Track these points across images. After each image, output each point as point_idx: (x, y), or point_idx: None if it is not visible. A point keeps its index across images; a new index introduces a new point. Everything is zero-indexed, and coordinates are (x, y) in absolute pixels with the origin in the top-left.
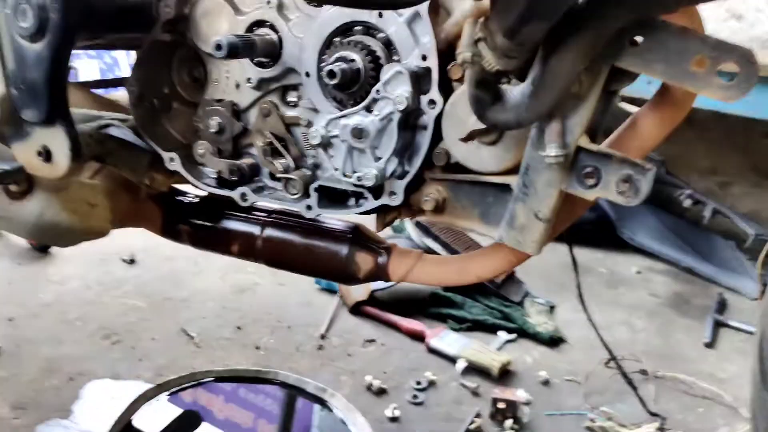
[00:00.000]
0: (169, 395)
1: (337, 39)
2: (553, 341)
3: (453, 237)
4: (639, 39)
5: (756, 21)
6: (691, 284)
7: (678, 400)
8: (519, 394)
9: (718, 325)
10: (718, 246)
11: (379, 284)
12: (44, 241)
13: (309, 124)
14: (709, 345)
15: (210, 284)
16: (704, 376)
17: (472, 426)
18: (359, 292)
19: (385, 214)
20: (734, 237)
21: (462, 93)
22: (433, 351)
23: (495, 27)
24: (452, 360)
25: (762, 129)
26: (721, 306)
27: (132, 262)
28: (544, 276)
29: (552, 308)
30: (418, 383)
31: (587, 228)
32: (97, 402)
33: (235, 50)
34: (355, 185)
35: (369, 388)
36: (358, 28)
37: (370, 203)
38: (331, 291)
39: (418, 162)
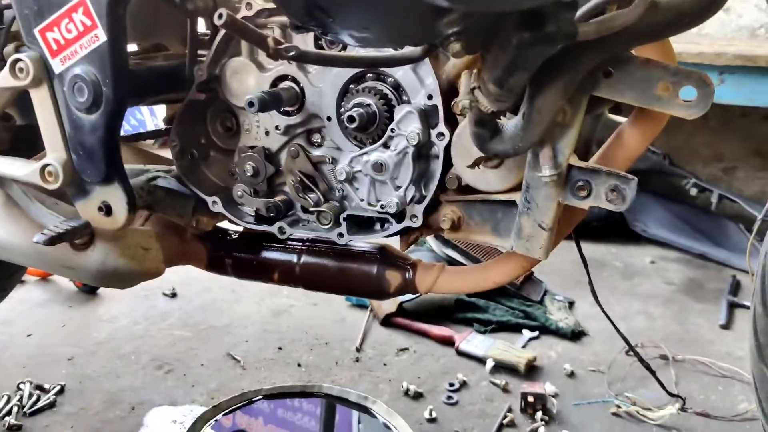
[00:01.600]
0: (224, 415)
1: (352, 86)
2: (575, 335)
3: (471, 245)
4: (611, 69)
5: (744, 11)
6: (704, 269)
7: (698, 381)
8: (546, 388)
9: (733, 306)
10: (729, 230)
11: (406, 296)
12: (106, 285)
13: (334, 161)
14: (725, 326)
15: (248, 310)
16: (722, 356)
17: (505, 420)
18: (389, 304)
19: (408, 235)
20: (743, 220)
21: (465, 125)
22: (462, 354)
23: (486, 77)
24: (481, 361)
25: (761, 113)
26: (735, 287)
27: (174, 295)
28: (561, 274)
29: (571, 304)
30: (451, 385)
31: (599, 224)
32: (160, 428)
33: (265, 105)
34: (380, 212)
35: (406, 393)
36: (369, 75)
37: (394, 227)
38: (362, 306)
39: (433, 187)
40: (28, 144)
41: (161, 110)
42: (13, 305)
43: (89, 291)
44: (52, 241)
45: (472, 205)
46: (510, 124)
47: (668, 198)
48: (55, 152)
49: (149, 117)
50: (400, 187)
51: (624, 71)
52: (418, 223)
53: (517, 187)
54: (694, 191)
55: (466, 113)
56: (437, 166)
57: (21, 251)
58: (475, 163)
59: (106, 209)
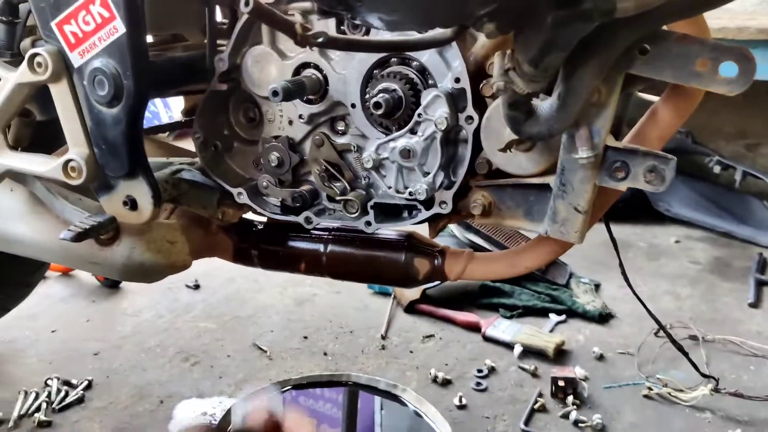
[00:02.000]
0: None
1: (376, 71)
2: (603, 318)
3: (494, 230)
4: (647, 47)
5: None
6: (730, 248)
7: (729, 361)
8: (576, 371)
9: (761, 284)
10: (753, 207)
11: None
12: (133, 280)
13: (359, 149)
14: (754, 305)
15: (272, 300)
16: (752, 335)
17: (536, 405)
18: (412, 291)
19: (437, 222)
20: (767, 197)
21: (495, 108)
22: (489, 339)
23: (521, 58)
24: (508, 346)
25: None
26: (762, 265)
27: (197, 287)
28: (586, 256)
29: (597, 286)
30: (480, 371)
31: (623, 205)
32: (189, 420)
33: (289, 94)
34: (408, 199)
35: (435, 380)
36: (394, 59)
37: (423, 214)
38: (385, 294)
39: (462, 172)
40: (48, 140)
41: (175, 102)
42: (37, 301)
43: (112, 285)
44: (79, 237)
45: (503, 190)
46: (544, 105)
47: (692, 176)
48: (77, 147)
49: (163, 110)
50: (428, 173)
51: (660, 48)
52: (447, 209)
53: (550, 170)
54: (717, 169)
55: (500, 95)
56: (466, 151)
57: (46, 248)
58: (507, 147)
59: (131, 203)
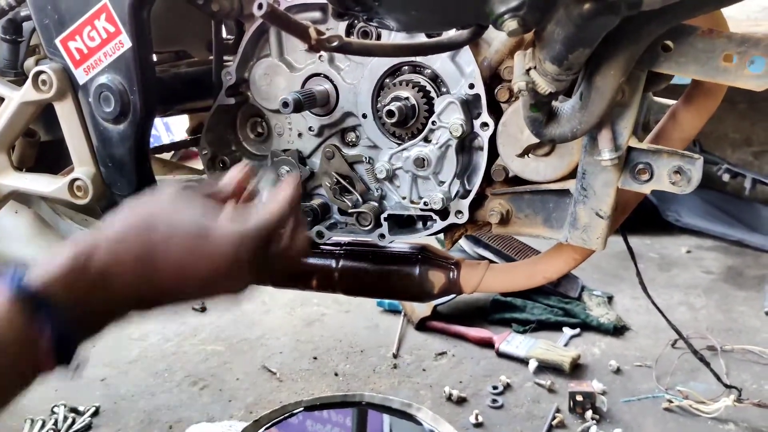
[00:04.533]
0: (266, 429)
1: (387, 80)
2: (617, 330)
3: (503, 244)
4: (670, 43)
5: None
6: (742, 256)
7: (749, 371)
8: (594, 385)
9: None
10: (764, 215)
11: (440, 299)
12: None
13: (370, 160)
14: None
15: (280, 321)
16: None
17: (555, 421)
18: (423, 308)
19: (452, 233)
20: None
21: (512, 113)
22: (502, 355)
23: (543, 56)
24: (523, 361)
25: None
26: None
27: (203, 310)
28: (597, 269)
29: (610, 299)
30: (495, 388)
31: (631, 215)
32: None
33: (300, 105)
34: (423, 210)
35: (449, 398)
36: (405, 67)
37: (439, 224)
38: (395, 311)
39: (478, 180)
40: (53, 160)
41: (177, 125)
42: None
43: None
44: None
45: (521, 197)
46: (566, 106)
47: (700, 185)
48: (83, 166)
49: (165, 132)
50: (443, 182)
51: (685, 43)
52: (463, 219)
53: (569, 176)
54: (726, 177)
55: (521, 96)
56: (482, 158)
57: None
58: (525, 152)
59: None
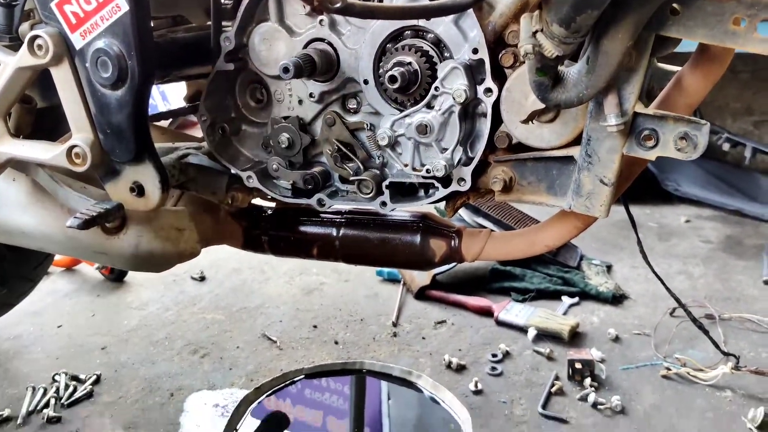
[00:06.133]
0: (267, 396)
1: (389, 45)
2: (616, 299)
3: (503, 213)
4: (678, 7)
5: None
6: (741, 225)
7: (747, 339)
8: (593, 353)
9: None
10: (763, 184)
11: (440, 268)
12: (141, 270)
13: (372, 127)
14: None
15: (279, 290)
16: None
17: (554, 389)
18: (422, 277)
19: (454, 201)
20: None
21: (516, 78)
22: (502, 324)
23: (551, 18)
24: (522, 330)
25: None
26: None
27: (202, 279)
28: (596, 238)
29: (609, 268)
30: (494, 356)
31: (631, 185)
32: (202, 412)
33: (300, 70)
34: (425, 177)
35: (449, 366)
36: (408, 32)
37: (441, 192)
38: (394, 280)
39: (481, 147)
40: (50, 127)
41: (174, 94)
42: (41, 297)
43: (116, 279)
44: (86, 224)
45: (524, 164)
46: (573, 70)
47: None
48: (81, 132)
49: (161, 101)
50: (446, 149)
51: (693, 6)
52: (466, 186)
53: (574, 142)
54: (726, 146)
55: (528, 59)
56: (485, 125)
57: (51, 238)
58: (529, 118)
59: (138, 190)
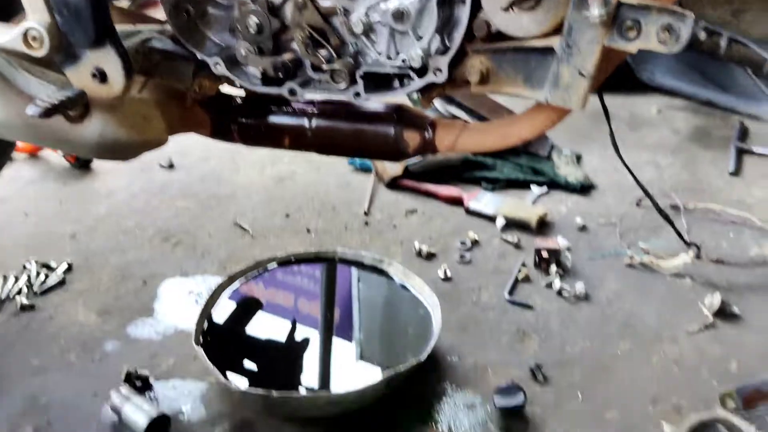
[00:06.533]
0: (241, 284)
1: None
2: (584, 189)
3: (476, 102)
4: None
5: None
6: (711, 117)
7: (709, 229)
8: (559, 242)
9: (741, 152)
10: (737, 75)
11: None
12: (108, 158)
13: (346, 12)
14: (734, 173)
15: (250, 178)
16: (732, 204)
17: (520, 275)
18: (394, 167)
19: (430, 92)
20: (750, 64)
21: None
22: (471, 213)
23: None
24: (491, 219)
25: None
26: (743, 134)
27: (171, 167)
28: (567, 128)
29: (579, 158)
30: (463, 243)
31: None
32: (175, 298)
33: None
34: (400, 67)
35: (419, 253)
36: None
37: (416, 83)
38: (366, 170)
39: (459, 36)
40: (4, 6)
41: None
42: (6, 184)
43: (82, 166)
44: (47, 113)
45: (502, 55)
46: None
47: None
48: (36, 13)
49: None
50: (422, 38)
51: None
52: (442, 77)
53: (554, 32)
54: (702, 35)
55: None
56: (463, 12)
57: (11, 125)
58: (510, 5)
59: (101, 75)
